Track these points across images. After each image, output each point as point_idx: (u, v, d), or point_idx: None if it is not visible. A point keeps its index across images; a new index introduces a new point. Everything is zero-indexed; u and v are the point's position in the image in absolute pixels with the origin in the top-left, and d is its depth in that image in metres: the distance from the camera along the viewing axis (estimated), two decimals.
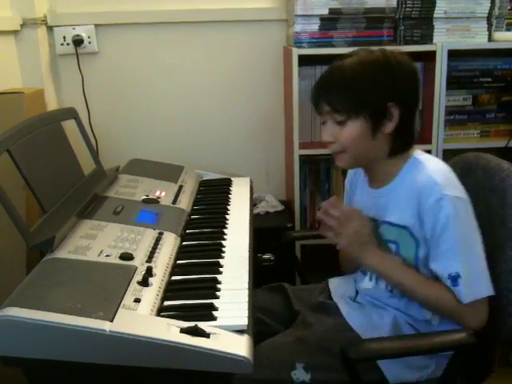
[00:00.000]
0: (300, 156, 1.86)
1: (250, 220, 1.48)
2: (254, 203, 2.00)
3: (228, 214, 1.50)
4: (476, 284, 1.10)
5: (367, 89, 1.15)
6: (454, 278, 1.09)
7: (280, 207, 2.12)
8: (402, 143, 1.19)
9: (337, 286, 1.40)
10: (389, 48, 1.20)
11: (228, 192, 1.70)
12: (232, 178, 1.84)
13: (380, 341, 1.13)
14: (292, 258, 1.86)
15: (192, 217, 1.51)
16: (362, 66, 1.16)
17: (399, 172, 1.19)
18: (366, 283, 1.29)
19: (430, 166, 1.15)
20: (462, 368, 1.12)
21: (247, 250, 1.30)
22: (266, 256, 1.87)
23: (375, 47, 1.20)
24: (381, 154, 1.20)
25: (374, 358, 1.14)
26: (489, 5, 1.83)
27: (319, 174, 2.02)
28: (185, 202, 1.56)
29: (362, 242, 1.19)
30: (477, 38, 1.87)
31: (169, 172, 1.78)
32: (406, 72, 1.17)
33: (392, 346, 1.11)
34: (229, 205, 1.58)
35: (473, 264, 1.10)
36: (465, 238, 1.11)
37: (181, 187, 1.67)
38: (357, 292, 1.33)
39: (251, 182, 1.84)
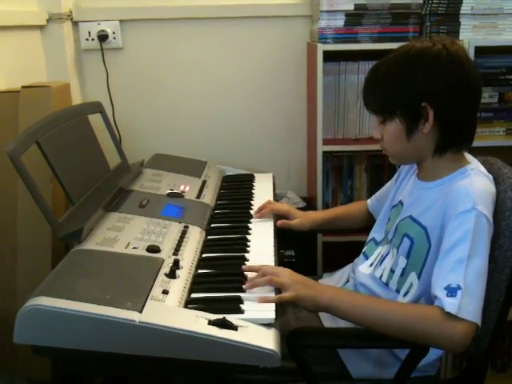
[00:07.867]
0: (323, 152, 1.85)
1: (274, 215, 1.48)
2: (275, 199, 2.00)
3: (252, 209, 1.51)
4: (472, 306, 0.97)
5: (398, 88, 1.10)
6: (453, 289, 0.97)
7: (301, 204, 2.11)
8: (448, 142, 1.11)
9: (327, 279, 1.41)
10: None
11: (251, 187, 1.71)
12: (255, 174, 1.84)
13: (321, 329, 1.19)
14: (313, 255, 1.85)
15: (216, 211, 1.51)
16: (395, 62, 1.11)
17: (447, 175, 1.13)
18: (365, 267, 1.28)
19: (474, 181, 1.08)
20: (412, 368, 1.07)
21: (272, 244, 1.30)
22: (288, 253, 1.87)
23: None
24: (424, 153, 1.14)
25: (309, 346, 1.12)
26: None
27: (342, 171, 2.01)
28: (209, 197, 1.57)
29: (304, 281, 1.08)
30: (504, 35, 1.84)
31: (192, 167, 1.79)
32: (444, 66, 1.07)
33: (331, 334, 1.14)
34: (252, 200, 1.58)
35: (477, 288, 0.99)
36: (478, 260, 1.00)
37: (204, 182, 1.68)
38: (347, 281, 1.33)
39: (274, 178, 1.84)
